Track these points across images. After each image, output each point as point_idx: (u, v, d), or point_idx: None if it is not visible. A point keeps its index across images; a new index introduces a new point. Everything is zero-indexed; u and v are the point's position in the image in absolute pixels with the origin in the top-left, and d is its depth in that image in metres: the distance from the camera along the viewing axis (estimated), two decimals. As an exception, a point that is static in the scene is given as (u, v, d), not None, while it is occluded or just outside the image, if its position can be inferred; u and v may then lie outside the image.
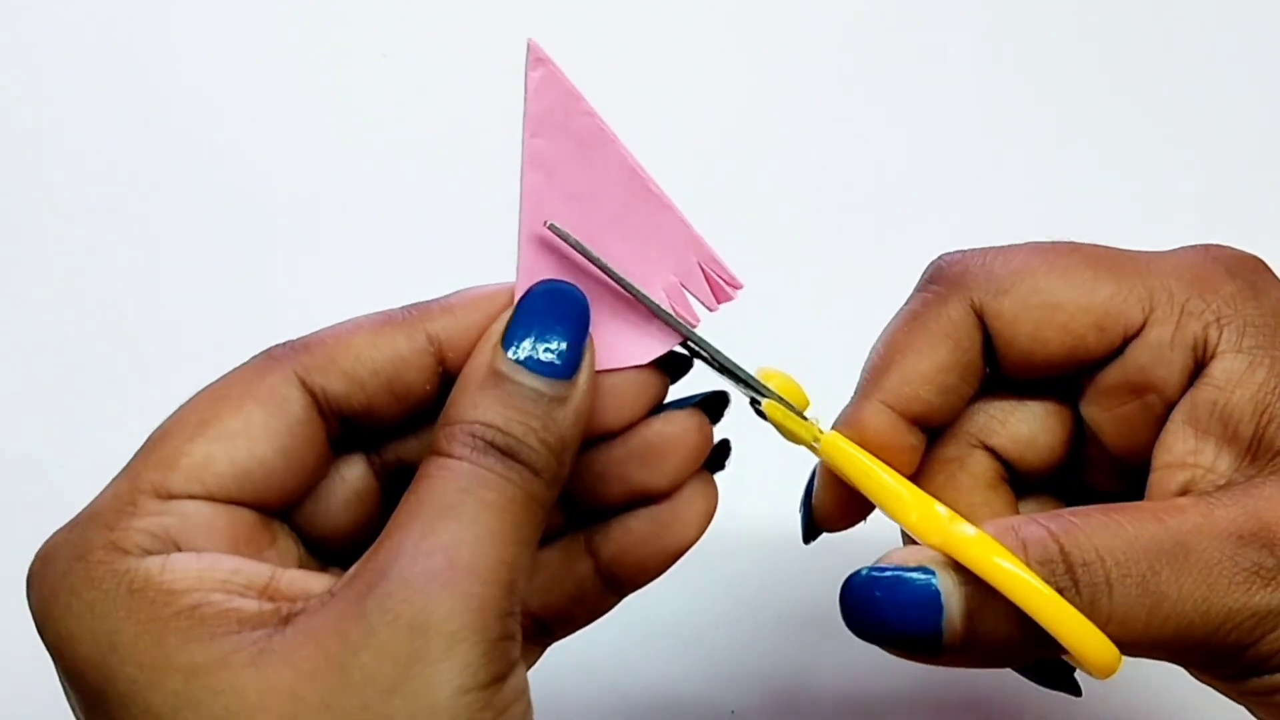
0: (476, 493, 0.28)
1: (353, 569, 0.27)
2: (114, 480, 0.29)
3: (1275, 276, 0.32)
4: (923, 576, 0.30)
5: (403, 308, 0.31)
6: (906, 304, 0.34)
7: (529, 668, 0.30)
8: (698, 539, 0.33)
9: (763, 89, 0.56)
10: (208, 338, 0.52)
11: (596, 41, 0.56)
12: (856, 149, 0.55)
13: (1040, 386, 0.34)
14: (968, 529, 0.30)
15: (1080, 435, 0.34)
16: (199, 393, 0.30)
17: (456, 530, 0.27)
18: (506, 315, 0.30)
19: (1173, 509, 0.30)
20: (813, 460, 0.34)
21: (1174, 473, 0.31)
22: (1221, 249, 0.33)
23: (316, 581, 0.28)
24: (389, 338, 0.30)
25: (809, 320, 0.52)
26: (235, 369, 0.30)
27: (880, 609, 0.30)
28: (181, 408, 0.30)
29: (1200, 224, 0.54)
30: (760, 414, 0.32)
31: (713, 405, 0.33)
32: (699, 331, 0.32)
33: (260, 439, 0.29)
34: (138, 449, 0.29)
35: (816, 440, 0.32)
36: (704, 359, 0.32)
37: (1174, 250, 0.33)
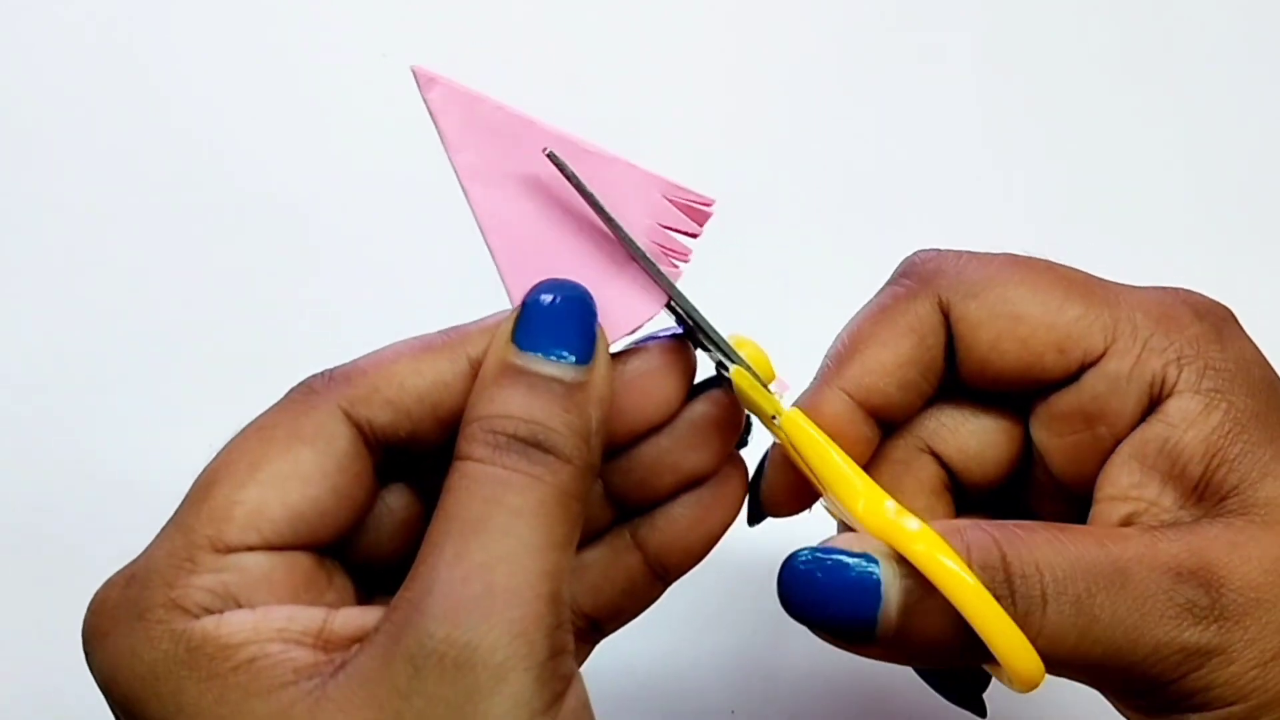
0: (503, 500, 0.27)
1: (392, 602, 0.27)
2: (165, 532, 0.29)
3: (1241, 328, 0.32)
4: (865, 564, 0.29)
5: (440, 332, 0.31)
6: (876, 296, 0.34)
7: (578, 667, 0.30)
8: (738, 515, 0.34)
9: (761, 88, 0.56)
10: (208, 336, 0.52)
11: (594, 41, 0.56)
12: (854, 148, 0.55)
13: (996, 401, 0.34)
14: (912, 523, 0.30)
15: (1028, 457, 0.34)
16: (241, 433, 0.29)
17: (489, 547, 0.27)
18: (514, 313, 0.29)
19: (1117, 536, 0.30)
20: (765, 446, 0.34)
21: (1116, 505, 0.31)
22: (1192, 294, 0.33)
23: (371, 616, 0.28)
24: (431, 363, 0.30)
25: (804, 316, 0.52)
26: (275, 405, 0.30)
27: (819, 590, 0.29)
28: (226, 450, 0.29)
29: (1198, 225, 0.55)
30: (724, 379, 0.32)
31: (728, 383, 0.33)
32: (681, 286, 0.31)
33: (312, 480, 0.29)
34: (185, 495, 0.29)
35: (776, 415, 0.32)
36: (679, 316, 0.32)
37: (1144, 287, 0.33)
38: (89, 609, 0.28)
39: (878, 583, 0.29)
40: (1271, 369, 0.32)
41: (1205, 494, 0.30)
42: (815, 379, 0.33)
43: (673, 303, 0.31)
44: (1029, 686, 0.29)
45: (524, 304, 0.30)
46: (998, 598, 0.29)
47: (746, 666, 0.48)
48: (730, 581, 0.48)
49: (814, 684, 0.48)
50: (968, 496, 0.35)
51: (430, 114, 0.31)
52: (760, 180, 0.54)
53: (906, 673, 0.35)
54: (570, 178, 0.30)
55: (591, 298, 0.30)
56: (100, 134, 0.54)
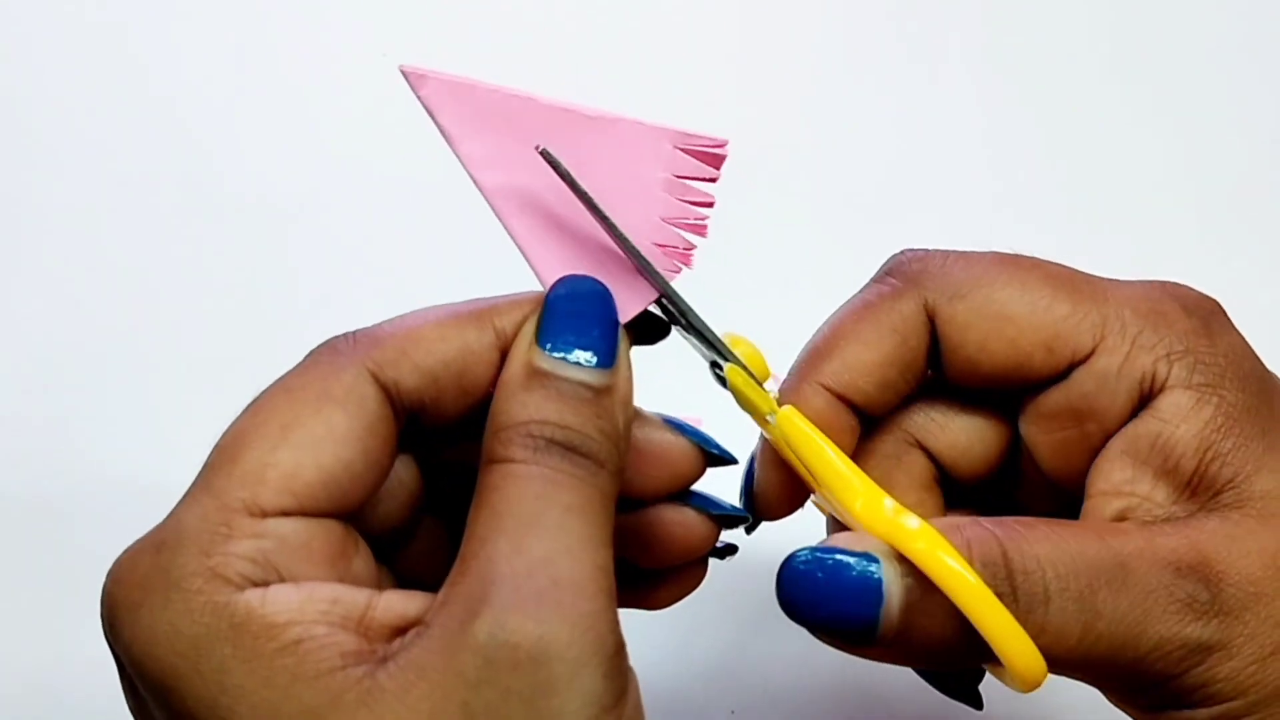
0: (555, 497, 0.27)
1: (442, 594, 0.27)
2: (192, 496, 0.27)
3: (1230, 321, 0.32)
4: (866, 563, 0.29)
5: (469, 301, 0.30)
6: (860, 292, 0.33)
7: None
8: (683, 598, 0.34)
9: (757, 81, 0.56)
10: (211, 337, 0.52)
11: (588, 34, 0.56)
12: (851, 144, 0.55)
13: (983, 397, 0.34)
14: (912, 521, 0.29)
15: (1016, 451, 0.34)
16: (265, 394, 0.29)
17: (548, 542, 0.26)
18: (536, 315, 0.29)
19: (1116, 530, 0.30)
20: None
21: (1109, 500, 0.31)
22: (1181, 287, 0.32)
23: (412, 605, 0.27)
24: (458, 331, 0.30)
25: (803, 310, 0.52)
26: (299, 366, 0.29)
27: (819, 591, 0.29)
28: (250, 412, 0.28)
29: (1194, 222, 0.55)
30: (720, 380, 0.32)
31: (732, 521, 0.33)
32: (678, 285, 0.31)
33: (345, 443, 0.28)
34: (208, 460, 0.28)
35: (772, 413, 0.31)
36: (673, 315, 0.31)
37: (1133, 281, 0.33)
38: (111, 578, 0.27)
39: (879, 582, 0.29)
40: (1260, 362, 0.32)
41: (1199, 488, 0.30)
42: (792, 372, 0.33)
43: (664, 300, 0.31)
44: (1031, 686, 0.29)
45: (546, 304, 0.29)
46: (1000, 595, 0.28)
47: (746, 666, 0.48)
48: (730, 581, 0.48)
49: (814, 684, 0.47)
50: (957, 489, 0.35)
51: (427, 111, 0.30)
52: (757, 175, 0.54)
53: (905, 673, 0.35)
54: (564, 176, 0.29)
55: (611, 295, 0.30)
56: (100, 135, 0.55)
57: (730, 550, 0.35)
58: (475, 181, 0.30)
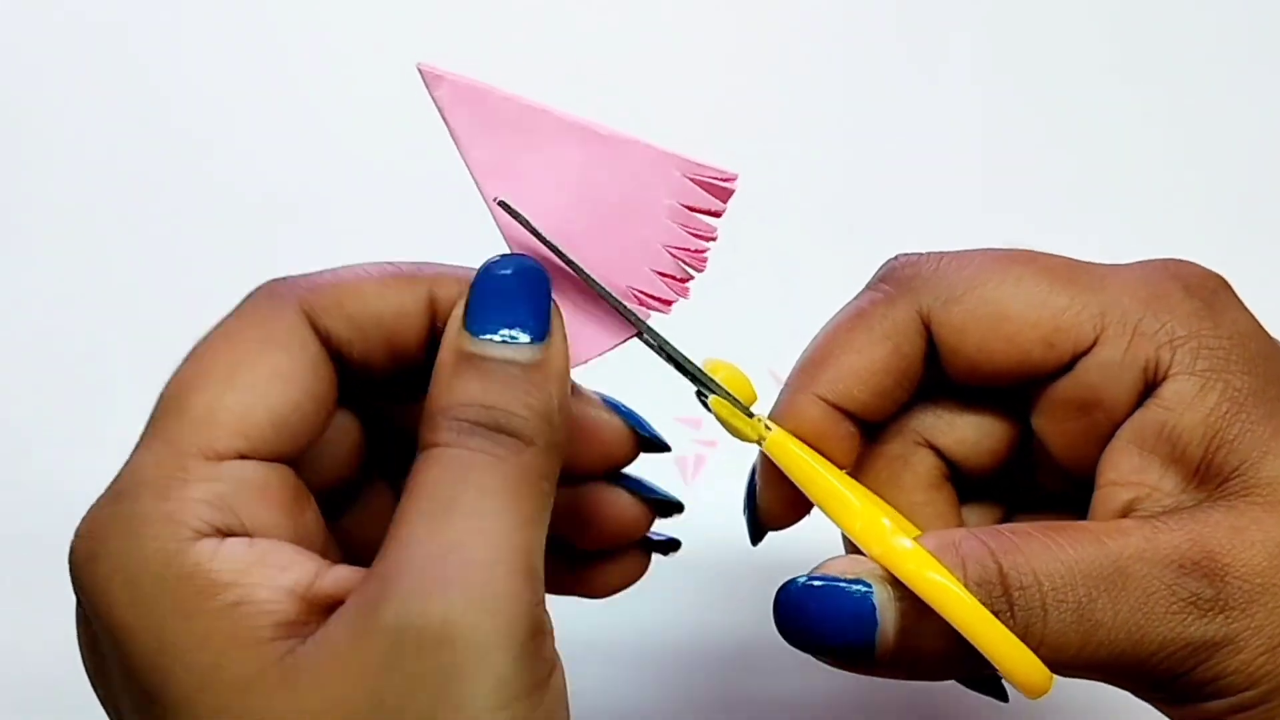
0: (471, 479, 0.27)
1: (364, 575, 0.26)
2: (144, 445, 0.27)
3: (1236, 297, 0.32)
4: (859, 589, 0.29)
5: (410, 263, 0.30)
6: (853, 300, 0.33)
7: None
8: (627, 586, 0.34)
9: (756, 87, 0.56)
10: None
11: (588, 39, 0.56)
12: (855, 149, 0.55)
13: (990, 394, 0.34)
14: (904, 542, 0.29)
15: (1028, 436, 0.34)
16: (206, 340, 0.28)
17: (460, 525, 0.26)
18: (464, 298, 0.29)
19: (1116, 531, 0.30)
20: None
21: (1118, 491, 0.31)
22: (1183, 265, 0.32)
23: (358, 581, 0.27)
24: (395, 290, 0.30)
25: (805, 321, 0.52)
26: (236, 311, 0.29)
27: (814, 620, 0.29)
28: (193, 359, 0.28)
29: (1200, 216, 0.55)
30: (706, 406, 0.32)
31: (665, 508, 0.34)
32: (660, 320, 0.31)
33: (290, 383, 0.28)
34: (156, 406, 0.28)
35: (762, 438, 0.32)
36: (653, 348, 0.31)
37: (1133, 264, 0.32)
38: (77, 534, 0.27)
39: (873, 607, 0.29)
40: (1269, 340, 0.32)
41: (1206, 476, 0.30)
42: (787, 384, 0.33)
43: (643, 337, 0.31)
44: (1036, 694, 0.29)
45: (472, 287, 0.29)
46: (997, 613, 0.29)
47: (746, 666, 0.48)
48: (731, 581, 0.48)
49: (814, 684, 0.47)
50: (969, 482, 0.35)
51: (440, 112, 0.30)
52: (756, 182, 0.54)
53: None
54: (526, 225, 0.29)
55: (545, 272, 0.29)
56: (98, 131, 0.54)
57: (673, 545, 0.35)
58: (480, 189, 0.30)
